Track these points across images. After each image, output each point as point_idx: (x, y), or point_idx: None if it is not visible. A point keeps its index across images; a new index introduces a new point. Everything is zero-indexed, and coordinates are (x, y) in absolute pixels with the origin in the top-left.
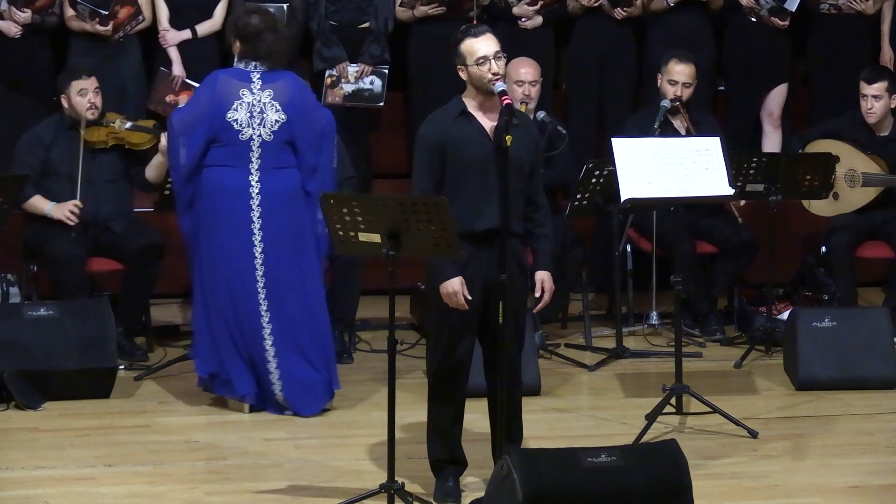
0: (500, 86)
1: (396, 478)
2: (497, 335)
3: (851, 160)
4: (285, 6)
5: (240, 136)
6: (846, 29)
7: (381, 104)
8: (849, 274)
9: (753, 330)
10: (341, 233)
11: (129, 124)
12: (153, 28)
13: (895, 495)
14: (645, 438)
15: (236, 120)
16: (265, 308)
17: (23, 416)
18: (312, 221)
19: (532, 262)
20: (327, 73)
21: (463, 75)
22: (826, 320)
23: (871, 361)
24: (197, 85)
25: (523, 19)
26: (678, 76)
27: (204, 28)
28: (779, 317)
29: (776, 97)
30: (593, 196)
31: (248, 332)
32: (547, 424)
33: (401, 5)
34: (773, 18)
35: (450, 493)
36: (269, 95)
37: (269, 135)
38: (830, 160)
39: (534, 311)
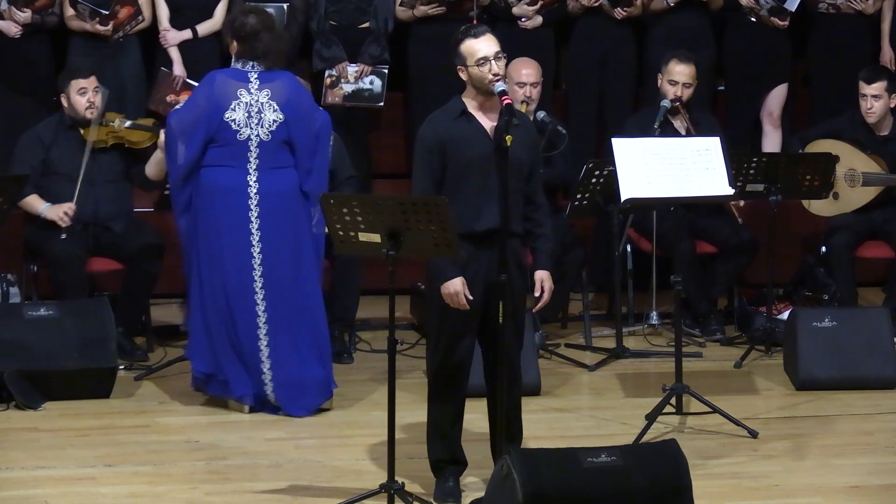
0: (500, 86)
1: (396, 478)
2: (497, 335)
3: (851, 160)
4: (285, 6)
5: (238, 136)
6: (846, 29)
7: (381, 104)
8: (849, 274)
9: (753, 330)
10: (341, 233)
11: (128, 123)
12: (153, 28)
13: (895, 495)
14: (645, 438)
15: (234, 120)
16: (262, 308)
17: (23, 416)
18: (310, 221)
19: (531, 261)
20: (327, 73)
21: (463, 76)
22: (826, 320)
23: (871, 361)
24: (198, 85)
25: (523, 19)
26: (678, 76)
27: (204, 28)
28: (779, 317)
29: (776, 97)
30: (593, 196)
31: (243, 332)
32: (547, 424)
33: (401, 5)
34: (772, 18)
35: (450, 493)
36: (267, 95)
37: (267, 135)
38: (830, 160)
39: (533, 310)
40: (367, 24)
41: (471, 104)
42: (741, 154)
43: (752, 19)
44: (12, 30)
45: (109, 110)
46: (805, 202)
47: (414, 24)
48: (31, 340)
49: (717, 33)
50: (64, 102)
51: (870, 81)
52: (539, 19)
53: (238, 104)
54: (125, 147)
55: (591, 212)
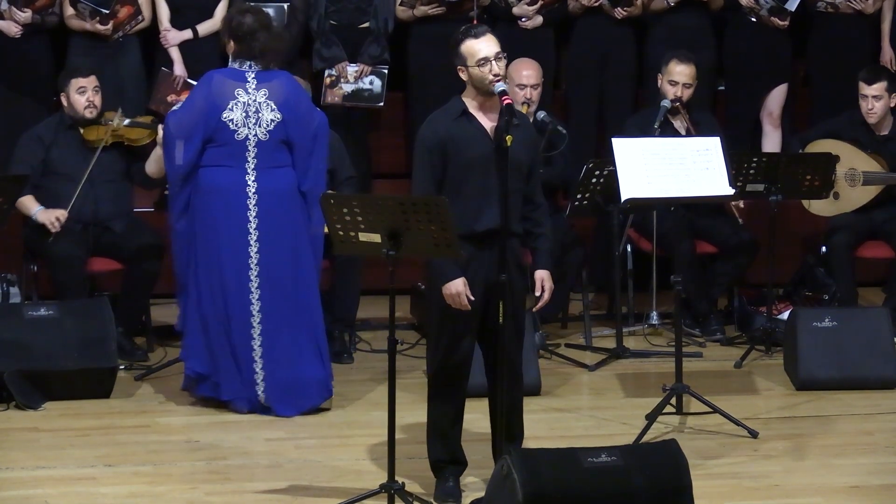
0: (500, 86)
1: (396, 478)
2: (497, 335)
3: (852, 159)
4: (285, 6)
5: (235, 135)
6: (846, 29)
7: (381, 104)
8: (849, 274)
9: (753, 330)
10: (341, 233)
11: (127, 121)
12: (153, 28)
13: (895, 495)
14: (645, 438)
15: (232, 120)
16: (257, 308)
17: (23, 416)
18: (308, 221)
19: (531, 261)
20: (326, 72)
21: (463, 76)
22: (826, 320)
23: (871, 361)
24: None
25: (523, 19)
26: (678, 76)
27: (205, 28)
28: (779, 317)
29: (776, 97)
30: (593, 196)
31: (237, 331)
32: (547, 424)
33: (401, 5)
34: (773, 18)
35: (450, 493)
36: (265, 95)
37: (265, 134)
38: (830, 160)
39: (533, 310)
40: (367, 24)
41: (471, 104)
42: (741, 154)
43: (752, 19)
44: (12, 30)
45: (107, 108)
46: (805, 202)
47: (414, 24)
48: (31, 340)
49: (718, 33)
50: (64, 102)
51: (870, 82)
52: (539, 19)
53: (236, 104)
54: (125, 145)
55: (592, 212)
